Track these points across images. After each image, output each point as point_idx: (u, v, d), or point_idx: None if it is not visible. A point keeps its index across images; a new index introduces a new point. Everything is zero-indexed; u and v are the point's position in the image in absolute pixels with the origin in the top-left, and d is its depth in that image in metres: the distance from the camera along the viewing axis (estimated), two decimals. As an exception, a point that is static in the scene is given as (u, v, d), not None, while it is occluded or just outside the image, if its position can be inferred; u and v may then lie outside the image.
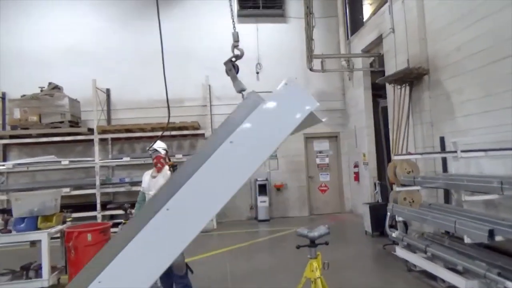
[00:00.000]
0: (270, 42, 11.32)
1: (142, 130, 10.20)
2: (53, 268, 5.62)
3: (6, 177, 10.66)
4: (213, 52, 10.84)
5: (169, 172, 4.88)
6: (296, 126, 1.46)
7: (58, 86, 10.21)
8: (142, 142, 10.91)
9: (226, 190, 1.34)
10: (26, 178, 10.65)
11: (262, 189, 10.84)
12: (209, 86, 10.95)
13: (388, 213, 6.30)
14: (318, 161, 11.59)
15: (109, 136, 10.48)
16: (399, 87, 7.42)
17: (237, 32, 2.49)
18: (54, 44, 10.86)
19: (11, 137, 9.90)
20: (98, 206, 9.80)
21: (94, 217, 9.63)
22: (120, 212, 9.96)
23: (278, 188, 11.26)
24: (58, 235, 5.92)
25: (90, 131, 10.08)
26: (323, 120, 1.89)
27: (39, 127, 9.63)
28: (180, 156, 9.98)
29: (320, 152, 11.60)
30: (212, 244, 8.56)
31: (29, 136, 9.76)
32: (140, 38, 10.92)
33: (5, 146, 10.60)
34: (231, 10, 2.66)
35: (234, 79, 2.43)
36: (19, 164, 9.68)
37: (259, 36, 11.22)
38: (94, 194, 9.84)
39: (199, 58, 10.96)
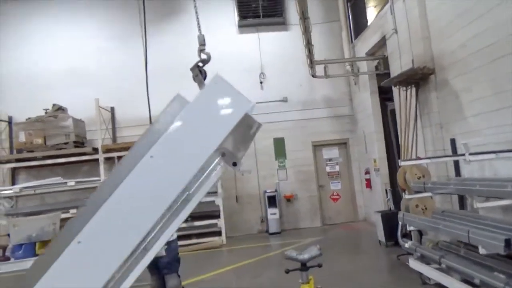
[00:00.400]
0: (272, 50, 11.14)
1: (148, 146, 10.07)
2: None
3: (16, 201, 10.67)
4: (212, 65, 10.75)
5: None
6: (228, 132, 1.18)
7: (62, 107, 10.23)
8: (148, 158, 10.78)
9: (147, 216, 1.06)
10: (35, 201, 10.61)
11: (272, 200, 10.56)
12: (213, 98, 10.80)
13: (399, 222, 5.95)
14: (328, 169, 11.27)
15: (115, 154, 10.39)
16: (404, 89, 7.11)
17: (203, 35, 2.33)
18: (56, 66, 10.91)
19: (17, 160, 9.93)
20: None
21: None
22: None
23: (288, 199, 10.97)
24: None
25: (95, 150, 10.02)
26: (261, 124, 1.64)
27: (44, 149, 9.63)
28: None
29: (330, 160, 11.29)
30: (220, 261, 8.32)
31: (35, 159, 9.77)
32: (141, 55, 10.87)
33: (14, 169, 10.64)
34: (196, 12, 2.50)
35: (201, 84, 2.26)
36: (25, 187, 9.66)
37: (261, 45, 11.06)
38: (101, 214, 9.72)
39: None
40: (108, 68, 11.00)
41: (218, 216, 9.72)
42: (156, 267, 4.41)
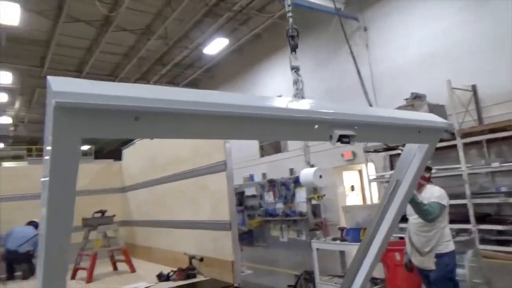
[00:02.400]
0: None
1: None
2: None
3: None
4: None
5: (435, 191, 3.86)
6: None
7: (419, 94, 10.19)
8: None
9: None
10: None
11: None
12: None
13: None
14: None
15: (478, 138, 9.16)
16: None
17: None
18: (410, 56, 11.04)
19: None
20: (472, 218, 8.75)
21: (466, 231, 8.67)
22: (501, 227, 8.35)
23: None
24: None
25: (453, 135, 9.24)
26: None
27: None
28: None
29: None
30: None
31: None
32: (497, 23, 9.09)
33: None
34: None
35: (292, 53, 2.21)
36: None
37: None
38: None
39: None
40: (460, 45, 9.90)
41: None
42: (428, 281, 3.76)
